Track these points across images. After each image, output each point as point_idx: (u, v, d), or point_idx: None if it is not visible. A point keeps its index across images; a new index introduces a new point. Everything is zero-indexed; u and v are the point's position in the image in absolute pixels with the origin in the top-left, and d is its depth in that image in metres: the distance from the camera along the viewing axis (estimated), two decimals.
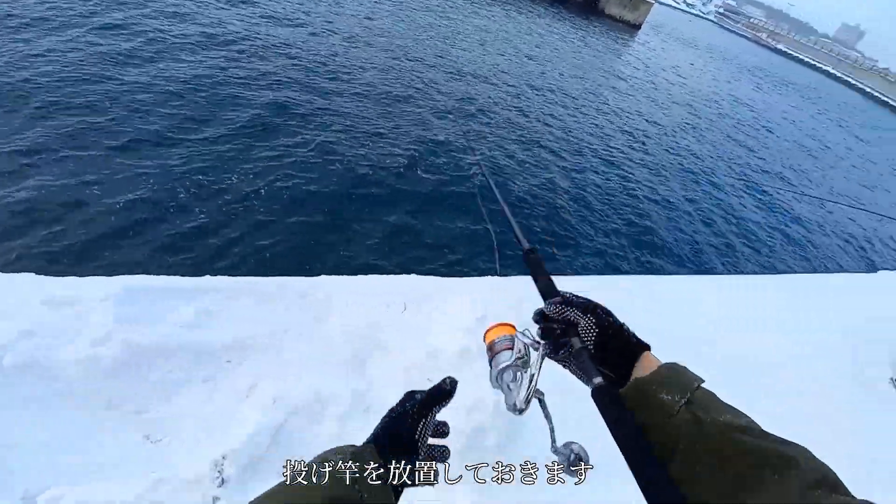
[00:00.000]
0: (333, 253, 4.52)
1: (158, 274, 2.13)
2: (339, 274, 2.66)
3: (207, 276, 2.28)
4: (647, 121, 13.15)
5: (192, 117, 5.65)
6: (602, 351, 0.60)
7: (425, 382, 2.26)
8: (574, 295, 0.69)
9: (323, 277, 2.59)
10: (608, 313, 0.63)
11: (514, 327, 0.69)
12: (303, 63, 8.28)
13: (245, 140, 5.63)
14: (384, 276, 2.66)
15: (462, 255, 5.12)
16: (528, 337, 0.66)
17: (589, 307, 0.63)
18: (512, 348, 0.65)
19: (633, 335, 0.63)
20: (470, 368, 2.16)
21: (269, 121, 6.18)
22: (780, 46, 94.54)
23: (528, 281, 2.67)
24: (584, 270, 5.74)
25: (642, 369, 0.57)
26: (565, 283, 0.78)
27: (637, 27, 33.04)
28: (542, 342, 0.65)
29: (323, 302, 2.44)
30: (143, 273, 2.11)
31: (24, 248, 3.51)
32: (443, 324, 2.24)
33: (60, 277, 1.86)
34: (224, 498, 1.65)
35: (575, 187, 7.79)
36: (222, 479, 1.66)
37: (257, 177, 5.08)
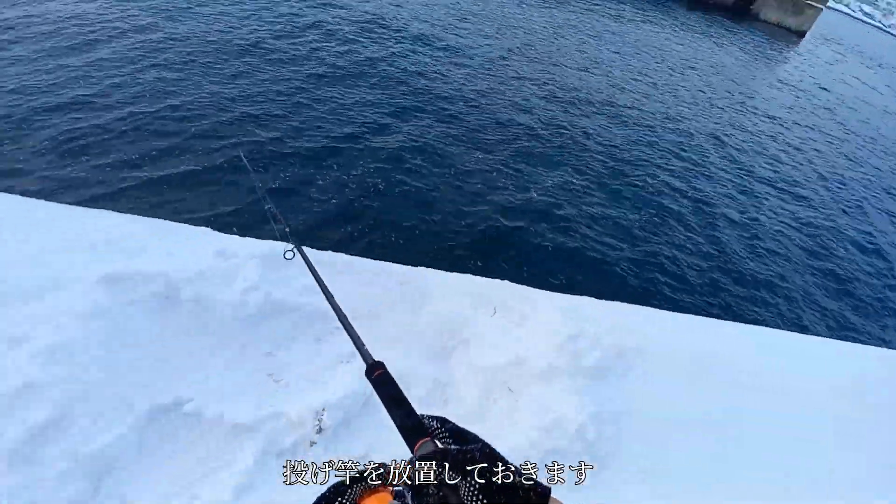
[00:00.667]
0: (437, 245, 4.81)
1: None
2: (436, 268, 2.83)
3: (329, 252, 2.61)
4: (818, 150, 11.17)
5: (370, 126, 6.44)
6: None
7: (502, 388, 2.27)
8: (447, 427, 0.56)
9: (422, 269, 2.78)
10: (493, 463, 0.50)
11: (391, 494, 0.56)
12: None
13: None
14: (478, 277, 2.76)
15: (562, 273, 5.02)
16: None
17: (467, 461, 0.49)
18: None
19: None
20: (551, 385, 2.15)
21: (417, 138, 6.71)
22: None
23: (627, 309, 2.53)
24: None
25: None
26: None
27: (801, 35, 28.10)
28: None
29: (419, 291, 2.62)
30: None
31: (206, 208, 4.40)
32: (531, 334, 2.26)
33: (228, 235, 2.31)
34: (319, 444, 1.91)
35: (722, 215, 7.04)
36: (320, 427, 1.92)
37: (377, 173, 5.59)
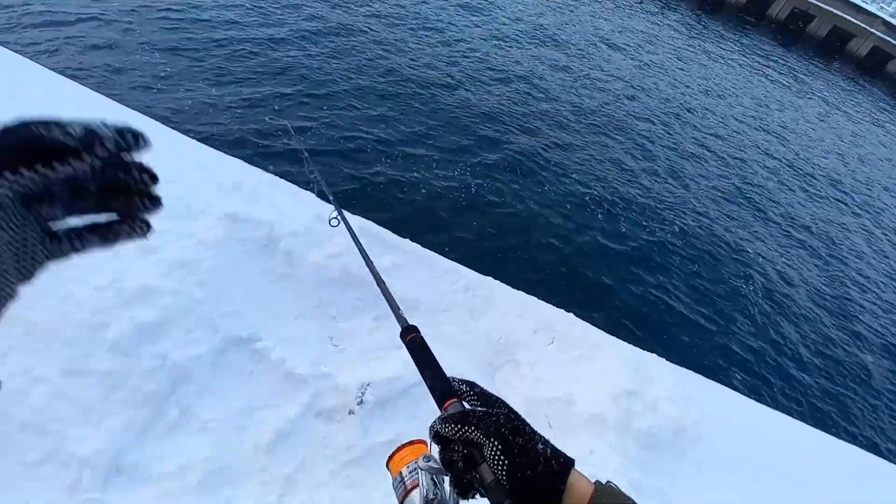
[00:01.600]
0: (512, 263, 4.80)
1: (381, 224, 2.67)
2: (504, 282, 2.82)
3: (408, 240, 2.73)
4: None
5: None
6: (518, 481, 0.48)
7: (542, 422, 2.21)
8: (476, 391, 0.57)
9: (489, 279, 2.79)
10: (517, 428, 0.50)
11: (426, 446, 0.56)
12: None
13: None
14: (542, 303, 2.69)
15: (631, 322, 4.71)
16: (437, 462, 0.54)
17: (491, 424, 0.50)
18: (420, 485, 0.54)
19: (553, 451, 0.50)
20: (594, 436, 2.03)
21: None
22: None
23: (697, 380, 2.30)
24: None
25: (573, 496, 0.48)
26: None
27: None
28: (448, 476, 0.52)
29: (482, 299, 2.63)
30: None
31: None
32: (587, 376, 2.15)
33: (326, 204, 2.52)
34: (356, 415, 2.00)
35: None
36: (361, 399, 2.02)
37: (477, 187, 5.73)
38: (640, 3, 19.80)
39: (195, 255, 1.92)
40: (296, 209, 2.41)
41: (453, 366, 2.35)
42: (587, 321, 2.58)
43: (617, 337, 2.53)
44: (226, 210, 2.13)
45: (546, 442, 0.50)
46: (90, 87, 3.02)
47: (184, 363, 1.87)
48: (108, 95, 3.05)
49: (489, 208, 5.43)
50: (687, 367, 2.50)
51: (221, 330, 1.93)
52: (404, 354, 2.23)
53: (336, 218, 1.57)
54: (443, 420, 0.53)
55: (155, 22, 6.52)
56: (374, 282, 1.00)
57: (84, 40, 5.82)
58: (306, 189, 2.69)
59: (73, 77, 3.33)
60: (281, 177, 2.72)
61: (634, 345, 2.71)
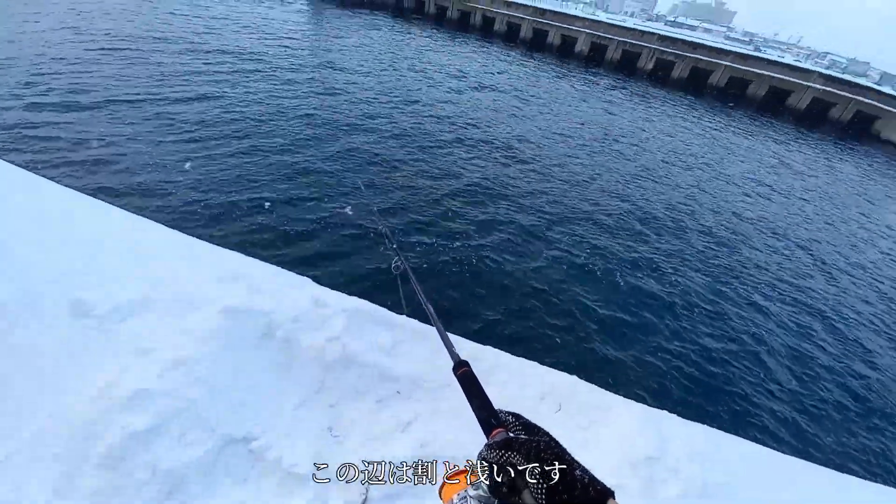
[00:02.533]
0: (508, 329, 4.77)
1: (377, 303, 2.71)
2: (500, 348, 2.79)
3: (404, 316, 2.75)
4: None
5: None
6: None
7: None
8: (521, 422, 0.61)
9: (489, 348, 2.76)
10: (557, 454, 0.52)
11: (467, 484, 0.60)
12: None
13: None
14: (546, 368, 2.65)
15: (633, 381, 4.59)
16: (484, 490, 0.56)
17: (532, 449, 0.53)
18: None
19: (593, 480, 0.51)
20: None
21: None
22: None
23: (716, 436, 2.22)
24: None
25: None
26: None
27: None
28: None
29: (483, 370, 2.58)
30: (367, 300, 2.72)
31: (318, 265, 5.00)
32: (601, 443, 2.05)
33: (325, 289, 2.59)
34: None
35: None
36: (366, 497, 1.88)
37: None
38: (611, 89, 22.12)
39: (192, 353, 1.92)
40: (294, 295, 2.46)
41: (458, 439, 2.23)
42: (592, 382, 2.52)
43: (626, 397, 2.46)
44: (225, 303, 2.17)
45: (585, 470, 0.52)
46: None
47: (178, 470, 1.77)
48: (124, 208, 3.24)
49: (484, 277, 5.55)
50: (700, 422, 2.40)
51: (217, 430, 1.86)
52: (408, 438, 2.14)
53: (399, 263, 1.71)
54: (489, 447, 0.56)
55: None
56: (431, 322, 1.08)
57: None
58: (305, 275, 2.77)
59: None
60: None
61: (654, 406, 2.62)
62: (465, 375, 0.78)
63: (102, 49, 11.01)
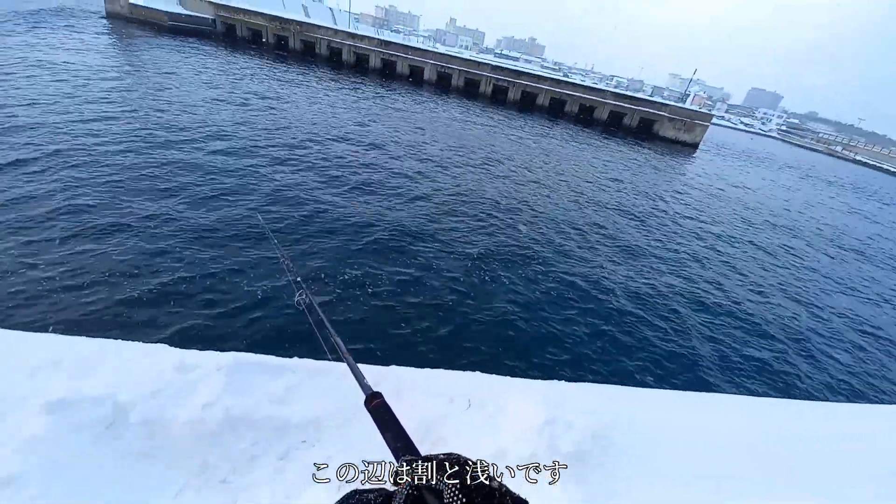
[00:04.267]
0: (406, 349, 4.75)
1: (258, 353, 2.44)
2: (407, 365, 2.79)
3: (296, 358, 2.54)
4: (719, 236, 12.85)
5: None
6: None
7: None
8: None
9: (393, 367, 2.73)
10: (473, 473, 0.52)
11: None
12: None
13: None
14: (450, 371, 2.74)
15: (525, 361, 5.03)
16: None
17: (450, 465, 0.53)
18: None
19: (511, 494, 0.52)
20: (533, 475, 2.04)
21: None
22: (859, 157, 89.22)
23: (601, 390, 2.59)
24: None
25: None
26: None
27: (694, 147, 34.26)
28: None
29: (392, 391, 2.54)
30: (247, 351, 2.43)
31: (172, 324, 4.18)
32: (509, 424, 2.20)
33: (189, 350, 2.22)
34: None
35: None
36: None
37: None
38: (459, 111, 24.23)
39: (17, 469, 1.44)
40: (146, 365, 2.05)
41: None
42: (497, 373, 2.70)
43: (524, 378, 2.70)
44: (45, 399, 1.69)
45: (505, 489, 0.52)
46: None
47: None
48: None
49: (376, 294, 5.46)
50: (586, 379, 2.78)
51: None
52: (331, 485, 1.98)
53: (303, 294, 1.65)
54: (402, 461, 0.56)
55: None
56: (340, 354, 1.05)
57: None
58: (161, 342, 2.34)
59: None
60: None
61: (543, 378, 2.92)
62: (377, 407, 0.77)
63: None
